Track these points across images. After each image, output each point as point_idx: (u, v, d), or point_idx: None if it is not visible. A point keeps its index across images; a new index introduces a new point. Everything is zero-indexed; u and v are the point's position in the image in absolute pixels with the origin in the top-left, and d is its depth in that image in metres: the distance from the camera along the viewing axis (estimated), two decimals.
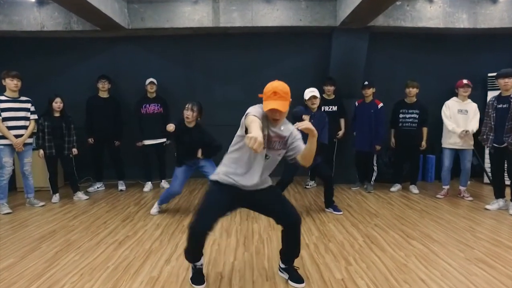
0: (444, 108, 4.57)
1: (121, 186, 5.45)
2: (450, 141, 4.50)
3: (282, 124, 2.18)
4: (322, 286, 2.35)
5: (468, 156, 4.47)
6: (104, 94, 5.21)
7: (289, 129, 2.22)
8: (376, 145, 4.84)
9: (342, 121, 5.20)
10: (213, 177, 2.31)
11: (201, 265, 2.46)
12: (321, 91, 4.91)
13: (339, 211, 4.03)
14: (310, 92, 3.99)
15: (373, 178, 5.11)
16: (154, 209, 4.16)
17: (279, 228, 2.43)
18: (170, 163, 4.80)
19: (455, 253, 2.85)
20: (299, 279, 2.37)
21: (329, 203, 4.10)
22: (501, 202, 4.04)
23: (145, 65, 5.64)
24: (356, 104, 5.03)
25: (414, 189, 4.95)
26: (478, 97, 5.20)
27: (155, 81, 5.14)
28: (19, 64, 5.01)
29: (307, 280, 2.43)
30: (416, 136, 4.80)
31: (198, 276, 2.42)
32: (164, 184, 5.47)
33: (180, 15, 5.07)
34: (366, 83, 4.87)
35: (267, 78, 5.73)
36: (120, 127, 5.33)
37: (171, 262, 2.78)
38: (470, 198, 4.50)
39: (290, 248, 2.40)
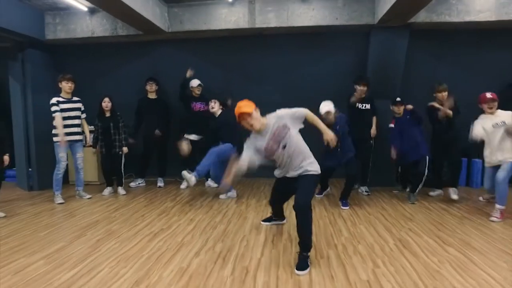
0: (476, 129, 3.94)
1: (160, 183, 5.72)
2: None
3: (265, 124, 2.72)
4: (346, 286, 2.32)
5: None
6: (152, 95, 5.56)
7: (271, 120, 2.74)
8: (424, 155, 4.42)
9: (374, 119, 5.03)
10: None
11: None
12: (354, 90, 4.81)
13: (346, 206, 4.29)
14: (325, 107, 4.14)
15: (419, 188, 4.51)
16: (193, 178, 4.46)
17: None
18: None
19: (498, 263, 2.66)
20: (299, 266, 2.56)
21: (343, 197, 4.37)
22: None
23: (184, 67, 5.82)
24: (392, 125, 4.68)
25: (453, 193, 4.48)
26: None
27: (201, 83, 5.44)
28: (71, 68, 5.48)
29: (331, 279, 2.41)
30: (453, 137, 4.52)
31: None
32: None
33: (217, 17, 5.22)
34: (399, 99, 4.56)
35: (302, 79, 5.82)
36: (167, 124, 5.71)
37: (200, 255, 2.89)
38: (495, 219, 3.70)
39: (298, 233, 2.69)
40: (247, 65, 5.85)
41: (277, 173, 3.05)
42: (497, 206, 3.70)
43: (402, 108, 4.57)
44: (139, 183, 5.76)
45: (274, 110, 2.83)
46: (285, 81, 5.72)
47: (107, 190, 5.18)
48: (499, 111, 3.90)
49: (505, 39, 5.23)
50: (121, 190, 5.21)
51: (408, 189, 4.82)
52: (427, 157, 4.39)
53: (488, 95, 3.90)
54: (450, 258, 2.74)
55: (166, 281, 2.43)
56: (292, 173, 2.83)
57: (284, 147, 2.72)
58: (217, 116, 4.90)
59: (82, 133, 4.96)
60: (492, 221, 3.64)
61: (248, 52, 5.79)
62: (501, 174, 3.68)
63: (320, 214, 4.03)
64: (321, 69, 5.65)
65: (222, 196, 4.84)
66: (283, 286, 2.32)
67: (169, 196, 5.06)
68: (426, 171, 4.39)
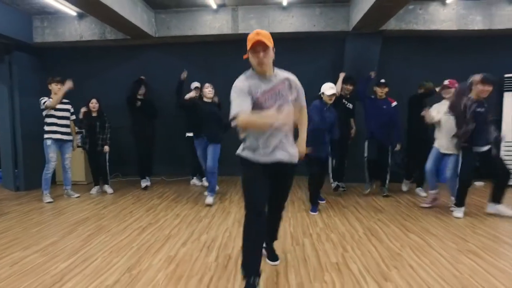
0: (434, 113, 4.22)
1: (146, 182, 5.89)
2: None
3: (273, 72, 2.28)
4: (318, 268, 2.62)
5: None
6: (141, 97, 5.68)
7: (284, 74, 2.34)
8: (397, 142, 4.77)
9: (352, 121, 5.38)
10: None
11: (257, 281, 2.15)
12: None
13: (322, 199, 4.60)
14: (331, 89, 3.98)
15: (388, 180, 4.91)
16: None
17: (287, 220, 2.98)
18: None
19: (449, 245, 3.02)
20: (272, 257, 2.70)
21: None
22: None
23: (171, 70, 6.07)
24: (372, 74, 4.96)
25: (421, 192, 4.95)
26: (494, 98, 5.21)
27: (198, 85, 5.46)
28: (60, 70, 5.63)
29: (304, 262, 2.71)
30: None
31: None
32: (195, 180, 5.91)
33: (202, 23, 5.48)
34: (383, 81, 4.77)
35: None
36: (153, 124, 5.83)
37: (186, 245, 3.14)
38: (425, 205, 4.30)
39: (272, 229, 2.64)
40: (232, 69, 6.04)
41: (249, 151, 2.25)
42: (452, 198, 4.10)
43: (385, 90, 4.76)
44: (147, 185, 5.69)
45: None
46: None
47: (94, 189, 5.35)
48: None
49: (466, 47, 5.69)
50: (108, 189, 5.38)
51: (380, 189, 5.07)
52: (393, 147, 4.78)
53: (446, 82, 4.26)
54: (411, 243, 3.08)
55: (156, 268, 2.67)
56: (271, 154, 2.18)
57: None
58: (210, 101, 4.75)
59: (71, 134, 5.12)
60: (453, 211, 4.03)
61: (232, 56, 6.02)
62: (449, 174, 4.10)
63: (299, 208, 4.34)
64: (301, 73, 5.72)
65: (208, 201, 4.60)
66: (263, 269, 2.60)
67: (156, 194, 5.28)
68: (390, 161, 4.82)
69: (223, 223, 3.80)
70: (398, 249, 2.95)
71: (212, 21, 5.46)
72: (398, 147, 4.83)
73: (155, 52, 6.17)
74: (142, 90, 5.64)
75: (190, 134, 5.35)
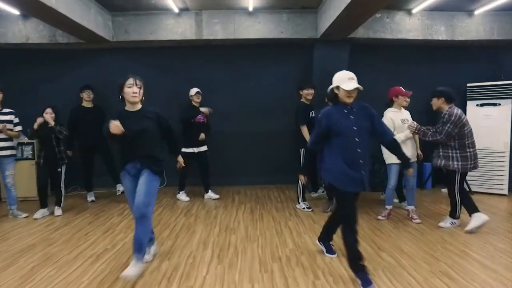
0: (387, 121, 4.02)
1: (91, 196, 5.46)
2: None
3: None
4: None
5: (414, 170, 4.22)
6: (88, 104, 5.26)
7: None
8: None
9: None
10: None
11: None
12: (299, 97, 4.77)
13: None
14: (351, 81, 2.72)
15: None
16: None
17: (255, 239, 2.79)
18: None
19: (421, 265, 2.93)
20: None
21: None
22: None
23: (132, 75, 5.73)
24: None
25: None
26: (458, 107, 5.29)
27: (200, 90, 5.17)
28: (3, 75, 5.08)
29: None
30: None
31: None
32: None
33: (164, 27, 5.16)
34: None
35: (250, 89, 5.96)
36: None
37: (144, 276, 2.83)
38: (418, 221, 4.08)
39: None
40: (196, 75, 5.83)
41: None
42: (410, 207, 4.21)
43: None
44: (92, 199, 5.39)
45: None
46: (233, 91, 5.81)
47: (39, 213, 4.57)
48: (403, 108, 4.20)
49: (431, 56, 5.77)
50: (57, 211, 4.69)
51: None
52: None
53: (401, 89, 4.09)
54: (383, 264, 2.97)
55: None
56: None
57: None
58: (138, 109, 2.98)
59: (15, 148, 4.59)
60: (417, 222, 4.06)
61: (196, 62, 5.78)
62: (412, 181, 4.13)
63: (268, 225, 4.14)
64: (268, 80, 5.82)
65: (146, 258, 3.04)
66: None
67: (117, 210, 4.90)
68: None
69: (187, 245, 3.52)
70: (370, 272, 2.82)
71: (175, 25, 5.15)
72: None
73: (114, 57, 5.76)
74: (91, 96, 5.23)
75: (191, 150, 5.10)
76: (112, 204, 5.25)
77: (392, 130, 3.95)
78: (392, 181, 4.17)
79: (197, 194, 5.70)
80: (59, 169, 4.66)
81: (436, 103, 3.90)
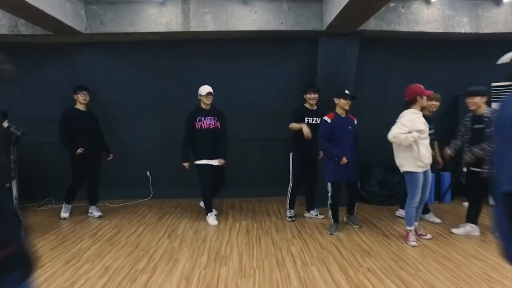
0: (403, 124, 3.36)
1: (95, 211, 4.72)
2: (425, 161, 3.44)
3: None
4: None
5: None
6: (83, 107, 4.55)
7: None
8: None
9: None
10: None
11: None
12: (303, 101, 4.31)
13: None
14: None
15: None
16: None
17: (251, 274, 2.51)
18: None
19: None
20: None
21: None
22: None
23: (109, 74, 5.06)
24: (328, 120, 3.82)
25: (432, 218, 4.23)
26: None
27: (212, 90, 4.24)
28: None
29: None
30: None
31: None
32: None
33: (145, 18, 4.46)
34: (347, 92, 3.82)
35: (245, 90, 5.22)
36: (103, 140, 4.79)
37: None
38: (429, 236, 3.64)
39: None
40: (183, 72, 5.15)
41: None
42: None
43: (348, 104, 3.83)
44: (65, 216, 4.64)
45: None
46: (225, 91, 5.08)
47: None
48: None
49: (451, 51, 5.11)
50: None
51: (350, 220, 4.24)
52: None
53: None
54: None
55: None
56: None
57: None
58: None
59: None
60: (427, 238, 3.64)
61: (183, 58, 5.09)
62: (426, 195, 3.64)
63: (266, 251, 3.43)
64: (266, 79, 5.14)
65: None
66: None
67: (89, 230, 4.17)
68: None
69: (165, 282, 2.81)
70: None
71: (158, 15, 4.46)
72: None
73: (88, 52, 5.04)
74: (87, 98, 4.56)
75: (205, 162, 4.25)
76: (86, 222, 4.51)
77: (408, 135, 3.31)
78: (416, 195, 3.45)
79: (186, 209, 5.00)
80: (8, 185, 3.83)
81: (479, 102, 3.44)
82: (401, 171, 3.50)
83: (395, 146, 3.46)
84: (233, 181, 4.81)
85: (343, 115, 3.90)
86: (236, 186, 5.19)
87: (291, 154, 4.36)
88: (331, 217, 3.95)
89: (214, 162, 4.25)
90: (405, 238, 3.54)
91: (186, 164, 4.30)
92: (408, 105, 3.47)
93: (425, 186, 3.49)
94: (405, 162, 3.41)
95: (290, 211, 4.46)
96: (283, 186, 4.62)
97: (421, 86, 3.43)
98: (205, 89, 4.18)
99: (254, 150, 5.32)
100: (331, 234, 3.86)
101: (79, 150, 4.36)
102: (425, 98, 3.43)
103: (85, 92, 4.52)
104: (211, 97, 4.22)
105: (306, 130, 4.08)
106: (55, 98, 4.97)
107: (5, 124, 3.77)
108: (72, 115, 4.47)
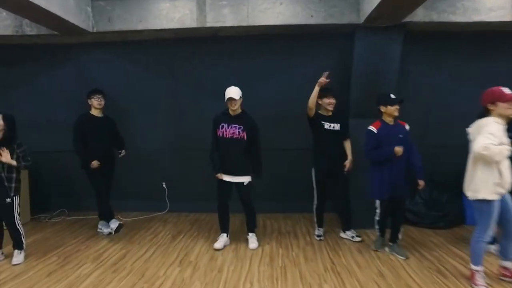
0: (491, 133, 2.58)
1: (106, 227, 4.30)
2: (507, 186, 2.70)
3: None
4: None
5: None
6: (99, 113, 4.16)
7: None
8: (420, 179, 3.42)
9: (348, 144, 3.91)
10: None
11: None
12: (317, 107, 3.76)
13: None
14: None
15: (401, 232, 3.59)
16: None
17: None
18: None
19: None
20: None
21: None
22: None
23: (118, 76, 4.67)
24: (374, 130, 3.38)
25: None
26: None
27: (236, 95, 3.60)
28: None
29: None
30: None
31: None
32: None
33: (156, 14, 3.97)
34: (394, 96, 3.34)
35: (268, 93, 4.56)
36: (123, 145, 4.45)
37: None
38: None
39: None
40: (198, 74, 4.66)
41: None
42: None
43: (397, 108, 3.33)
44: (111, 229, 4.25)
45: None
46: (246, 95, 4.53)
47: None
48: None
49: None
50: (16, 257, 3.44)
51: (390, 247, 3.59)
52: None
53: (507, 90, 2.64)
54: None
55: None
56: None
57: None
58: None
59: None
60: None
61: (199, 58, 4.59)
62: None
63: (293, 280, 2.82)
64: (292, 80, 4.52)
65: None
66: None
67: (94, 251, 3.75)
68: None
69: None
70: None
71: (170, 10, 3.96)
72: (422, 184, 3.42)
73: (96, 53, 4.66)
74: (102, 102, 4.18)
75: (226, 179, 3.72)
76: (93, 240, 4.09)
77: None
78: (489, 227, 2.70)
79: (203, 226, 4.48)
80: (8, 200, 3.38)
81: None
82: (473, 198, 2.71)
83: (473, 164, 2.70)
84: (256, 195, 4.22)
85: (391, 123, 3.40)
86: (262, 200, 4.63)
87: (312, 170, 3.91)
88: (377, 230, 3.64)
89: (234, 179, 3.70)
90: (471, 279, 2.81)
91: (219, 176, 3.70)
92: (485, 113, 2.73)
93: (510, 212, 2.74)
94: (482, 187, 2.62)
95: (318, 230, 4.04)
96: (312, 202, 4.04)
97: (498, 90, 2.67)
98: (228, 93, 3.58)
99: (278, 158, 4.71)
100: (375, 250, 3.55)
101: (95, 164, 3.98)
102: (503, 105, 2.64)
103: (99, 96, 4.11)
104: (235, 103, 3.60)
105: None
106: (67, 103, 4.69)
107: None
108: (86, 122, 4.08)
